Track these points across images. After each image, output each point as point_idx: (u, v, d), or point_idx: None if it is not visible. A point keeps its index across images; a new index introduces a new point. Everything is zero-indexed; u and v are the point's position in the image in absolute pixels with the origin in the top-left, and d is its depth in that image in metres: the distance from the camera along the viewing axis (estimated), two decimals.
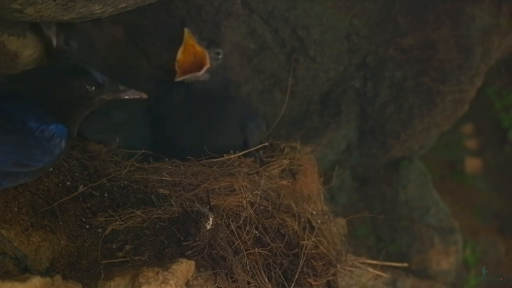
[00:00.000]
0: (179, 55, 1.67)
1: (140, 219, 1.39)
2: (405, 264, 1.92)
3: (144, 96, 1.38)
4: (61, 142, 1.23)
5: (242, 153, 1.60)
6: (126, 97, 1.36)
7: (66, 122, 1.26)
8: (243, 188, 1.49)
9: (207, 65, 1.67)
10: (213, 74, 1.70)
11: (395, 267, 1.97)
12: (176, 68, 1.67)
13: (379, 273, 1.75)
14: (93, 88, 1.31)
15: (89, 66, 1.34)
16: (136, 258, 1.32)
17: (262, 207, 1.52)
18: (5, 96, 1.22)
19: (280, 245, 1.51)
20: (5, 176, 1.19)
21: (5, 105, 1.19)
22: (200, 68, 1.67)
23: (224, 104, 1.72)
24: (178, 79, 1.66)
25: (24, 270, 1.24)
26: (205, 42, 1.70)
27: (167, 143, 1.67)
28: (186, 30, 1.66)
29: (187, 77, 1.67)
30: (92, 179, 1.45)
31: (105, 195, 1.44)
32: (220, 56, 1.74)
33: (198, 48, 1.67)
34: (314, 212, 1.68)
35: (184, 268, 1.28)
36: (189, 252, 1.35)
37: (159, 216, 1.40)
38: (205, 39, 1.73)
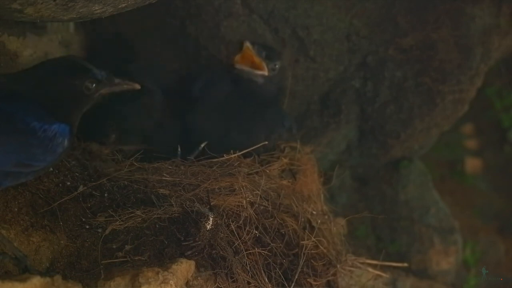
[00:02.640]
0: (237, 58, 1.70)
1: (140, 219, 1.39)
2: (405, 264, 1.92)
3: (138, 86, 1.38)
4: (64, 141, 1.23)
5: (241, 152, 1.60)
6: (121, 89, 1.37)
7: (67, 121, 1.26)
8: (243, 188, 1.49)
9: (265, 72, 1.70)
10: (266, 82, 1.73)
11: (395, 267, 1.97)
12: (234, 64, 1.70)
13: (379, 273, 1.75)
14: (94, 85, 1.31)
15: (88, 62, 1.33)
16: (136, 258, 1.32)
17: (262, 207, 1.52)
18: (5, 96, 1.21)
19: (280, 245, 1.51)
20: (6, 176, 1.19)
21: (5, 105, 1.19)
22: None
23: (264, 109, 1.74)
24: (239, 66, 1.69)
25: (24, 270, 1.24)
26: (264, 53, 1.71)
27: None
28: (245, 44, 1.68)
29: (246, 69, 1.69)
30: (92, 179, 1.45)
31: (105, 195, 1.44)
32: (277, 67, 1.75)
33: (257, 59, 1.69)
34: (314, 212, 1.67)
35: (184, 268, 1.28)
36: (189, 252, 1.34)
37: (159, 216, 1.40)
38: (266, 48, 1.74)
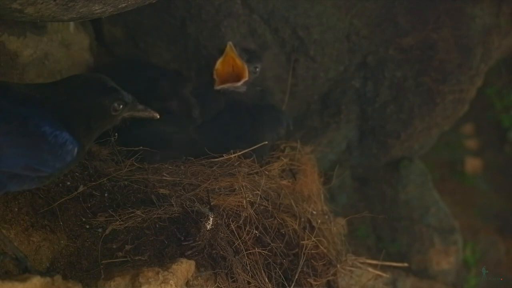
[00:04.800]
0: (218, 65, 1.69)
1: (140, 219, 1.39)
2: (405, 264, 1.92)
3: (156, 116, 1.39)
4: (74, 150, 1.22)
5: (241, 152, 1.60)
6: (141, 115, 1.37)
7: (83, 136, 1.26)
8: (243, 188, 1.49)
9: (246, 78, 1.70)
10: (249, 87, 1.73)
11: (395, 267, 1.97)
12: (215, 76, 1.69)
13: (379, 273, 1.75)
14: (121, 106, 1.32)
15: (117, 84, 1.34)
16: (136, 258, 1.32)
17: (262, 207, 1.52)
18: (21, 100, 1.21)
19: (280, 245, 1.51)
20: (11, 178, 1.18)
21: (20, 109, 1.19)
22: (238, 79, 1.70)
23: (255, 118, 1.74)
24: (217, 87, 1.69)
25: (24, 271, 1.24)
26: (246, 56, 1.71)
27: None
28: (228, 44, 1.68)
29: (225, 86, 1.69)
30: (92, 179, 1.45)
31: (105, 195, 1.44)
32: (258, 70, 1.75)
33: (238, 61, 1.69)
34: (314, 212, 1.68)
35: (184, 268, 1.28)
36: (189, 252, 1.35)
37: (159, 216, 1.40)
38: (246, 51, 1.73)
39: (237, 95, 1.72)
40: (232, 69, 1.70)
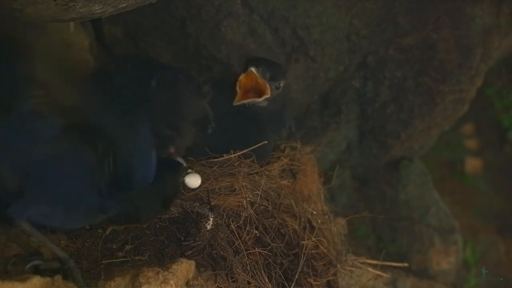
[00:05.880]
0: (242, 78, 1.67)
1: None
2: (405, 264, 1.92)
3: None
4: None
5: (241, 152, 1.60)
6: None
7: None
8: (243, 188, 1.49)
9: (268, 96, 1.69)
10: (271, 102, 1.72)
11: (395, 267, 1.97)
12: (237, 88, 1.67)
13: (379, 273, 1.75)
14: None
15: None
16: (136, 258, 1.32)
17: (262, 207, 1.52)
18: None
19: (280, 245, 1.51)
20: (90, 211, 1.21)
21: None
22: (260, 94, 1.68)
23: (258, 119, 1.73)
24: (237, 103, 1.67)
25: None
26: (269, 74, 1.69)
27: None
28: (249, 69, 1.66)
29: (245, 102, 1.68)
30: None
31: None
32: (281, 85, 1.73)
33: (261, 81, 1.67)
34: (314, 212, 1.68)
35: (184, 268, 1.28)
36: (189, 252, 1.35)
37: (159, 216, 1.40)
38: (270, 67, 1.71)
39: (258, 108, 1.70)
40: (255, 83, 1.68)
